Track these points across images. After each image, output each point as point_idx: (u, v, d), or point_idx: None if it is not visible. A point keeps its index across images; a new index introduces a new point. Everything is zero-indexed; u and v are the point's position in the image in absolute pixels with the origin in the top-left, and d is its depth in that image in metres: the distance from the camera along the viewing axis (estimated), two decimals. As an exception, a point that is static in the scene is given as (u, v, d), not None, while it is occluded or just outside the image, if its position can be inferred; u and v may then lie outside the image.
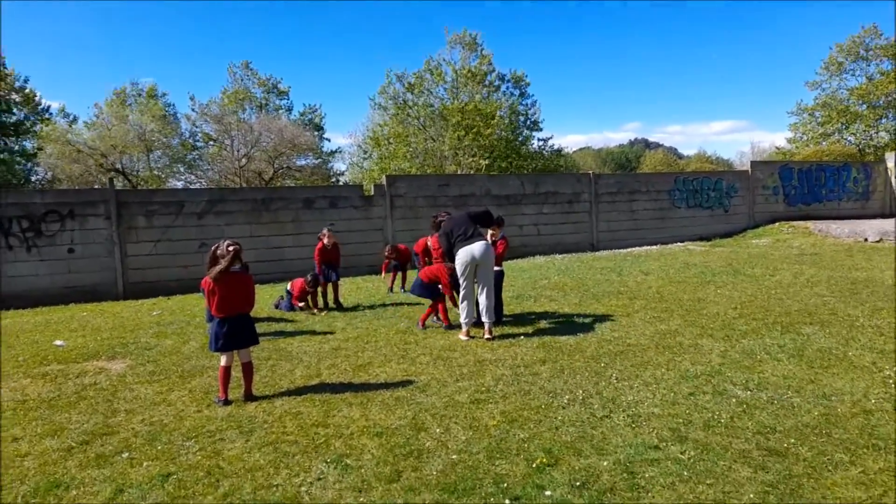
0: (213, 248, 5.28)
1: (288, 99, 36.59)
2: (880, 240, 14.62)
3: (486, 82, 33.35)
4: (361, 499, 3.42)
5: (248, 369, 5.21)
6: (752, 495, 3.34)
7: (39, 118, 31.66)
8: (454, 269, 7.21)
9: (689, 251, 15.05)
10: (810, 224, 17.76)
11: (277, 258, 13.24)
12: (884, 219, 19.56)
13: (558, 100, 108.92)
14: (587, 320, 7.74)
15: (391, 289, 10.76)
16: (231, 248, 5.20)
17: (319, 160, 37.18)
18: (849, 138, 35.19)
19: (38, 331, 8.50)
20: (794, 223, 18.36)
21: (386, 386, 5.39)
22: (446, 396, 5.05)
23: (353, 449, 4.07)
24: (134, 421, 4.74)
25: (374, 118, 34.50)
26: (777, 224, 18.65)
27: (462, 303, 7.16)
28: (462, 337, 7.01)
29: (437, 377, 5.60)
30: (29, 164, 29.64)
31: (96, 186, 27.35)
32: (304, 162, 35.38)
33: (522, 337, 6.98)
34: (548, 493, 3.41)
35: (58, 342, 7.58)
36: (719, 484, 3.46)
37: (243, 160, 31.60)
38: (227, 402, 5.03)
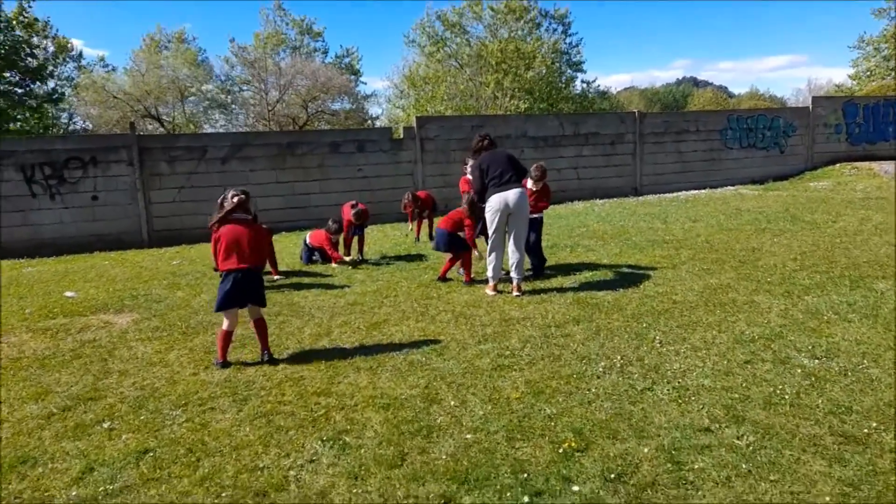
0: (219, 198, 4.80)
1: (323, 41, 35.59)
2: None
3: (527, 19, 31.63)
4: (355, 489, 2.93)
5: (260, 326, 4.76)
6: (828, 498, 2.72)
7: (69, 60, 31.54)
8: (482, 211, 6.56)
9: (741, 195, 13.99)
10: (875, 165, 16.34)
11: (303, 205, 12.76)
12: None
13: (602, 36, 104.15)
14: (628, 273, 7.05)
15: (418, 238, 10.19)
16: (235, 199, 4.68)
17: (354, 104, 36.36)
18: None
19: (55, 281, 8.27)
20: (857, 164, 16.93)
21: (400, 347, 4.87)
22: (465, 361, 4.50)
23: (355, 424, 3.58)
24: (125, 384, 4.36)
25: (411, 58, 33.32)
26: (838, 165, 17.24)
27: (490, 255, 6.49)
28: (488, 292, 6.43)
29: (457, 338, 5.06)
30: (54, 110, 29.46)
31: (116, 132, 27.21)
32: (338, 106, 34.65)
33: (555, 292, 6.35)
34: (575, 487, 2.86)
35: (69, 293, 7.30)
36: (786, 480, 2.85)
37: (276, 105, 31.00)
38: (225, 365, 4.60)
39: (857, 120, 17.96)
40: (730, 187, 16.06)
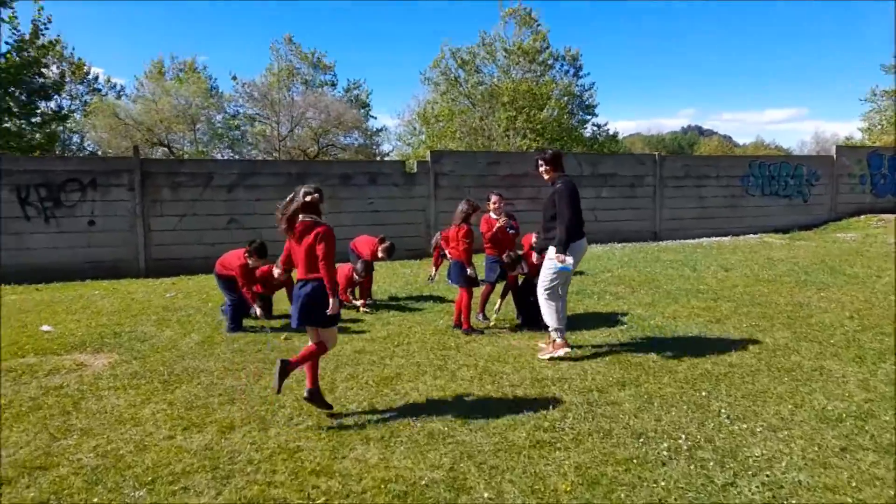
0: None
1: (333, 74, 35.45)
2: None
3: (540, 60, 31.54)
4: None
5: (313, 354, 4.15)
6: None
7: (83, 83, 31.45)
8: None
9: (767, 244, 13.30)
10: (908, 217, 15.68)
11: (309, 238, 12.13)
12: None
13: (608, 83, 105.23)
14: (667, 327, 6.31)
15: (432, 278, 9.32)
16: (308, 197, 4.05)
17: (365, 139, 36.11)
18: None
19: (36, 311, 7.56)
20: (884, 216, 16.27)
21: (417, 411, 4.12)
22: (496, 433, 3.75)
23: (364, 519, 2.82)
24: (84, 448, 3.61)
25: (423, 95, 33.20)
26: (863, 217, 16.59)
27: (557, 303, 5.30)
28: (560, 352, 5.25)
29: (483, 401, 4.31)
30: (61, 128, 29.10)
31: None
32: (349, 140, 34.38)
33: (589, 347, 5.61)
34: None
35: (45, 327, 6.58)
36: None
37: (287, 137, 30.72)
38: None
39: (881, 171, 17.38)
40: (752, 235, 15.37)
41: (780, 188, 16.45)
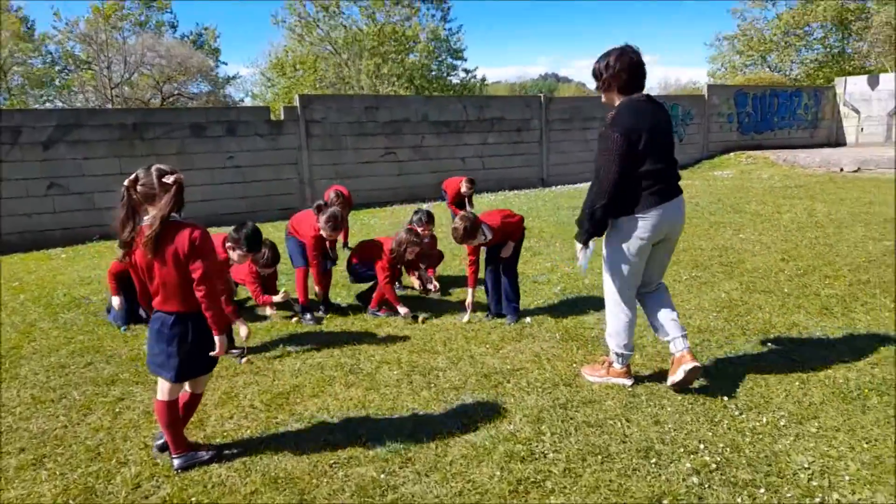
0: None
1: (171, 13, 31.33)
2: (858, 169, 13.25)
3: (406, 2, 29.75)
4: None
5: (189, 414, 2.91)
6: None
7: None
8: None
9: (656, 186, 13.09)
10: (770, 154, 16.30)
11: (157, 202, 10.05)
12: (831, 147, 18.54)
13: (472, 29, 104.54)
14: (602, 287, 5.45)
15: (345, 244, 7.40)
16: (169, 179, 2.50)
17: (216, 88, 32.57)
18: (765, 70, 34.34)
19: None
20: (751, 153, 16.86)
21: (331, 446, 2.86)
22: (457, 477, 2.59)
23: None
24: None
25: (279, 41, 30.30)
26: (733, 154, 17.09)
27: (624, 314, 3.34)
28: (620, 381, 3.41)
29: (424, 418, 3.13)
30: None
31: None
32: (198, 90, 30.79)
33: (531, 319, 4.59)
34: None
35: None
36: None
37: (122, 85, 26.76)
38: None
39: (746, 109, 17.98)
40: (637, 177, 15.24)
41: (658, 128, 16.40)
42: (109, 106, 26.40)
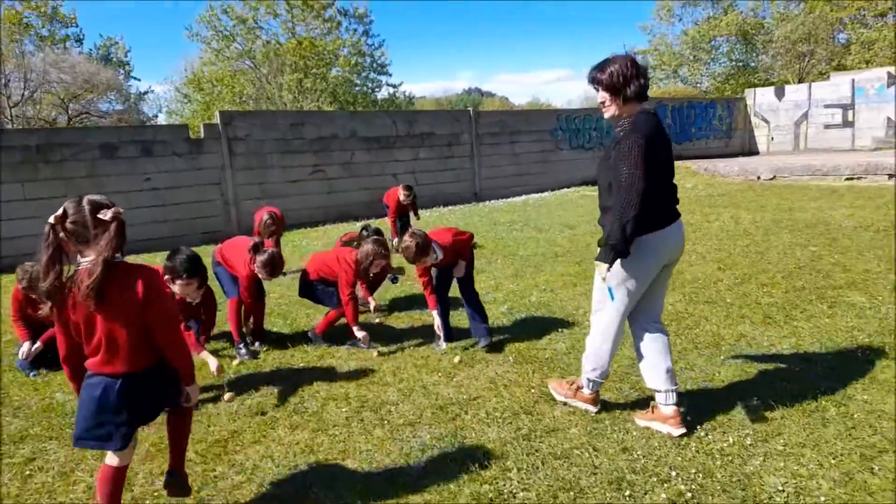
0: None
1: (77, 27, 29.54)
2: (774, 177, 13.95)
3: (326, 16, 29.38)
4: None
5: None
6: None
7: None
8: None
9: (588, 198, 13.33)
10: (690, 163, 16.97)
11: (67, 229, 9.26)
12: (745, 156, 19.53)
13: (399, 45, 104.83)
14: (550, 303, 5.36)
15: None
16: (107, 215, 2.09)
17: (128, 104, 31.00)
18: (678, 83, 36.07)
19: None
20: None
21: (276, 493, 2.57)
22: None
23: None
24: None
25: (194, 56, 29.19)
26: (654, 165, 17.70)
27: (609, 335, 3.06)
28: (586, 407, 3.24)
29: (382, 467, 2.88)
30: None
31: None
32: (108, 108, 29.17)
33: (480, 343, 4.42)
34: None
35: None
36: None
37: (22, 104, 24.98)
38: None
39: (665, 121, 18.68)
40: (566, 189, 15.51)
41: (586, 141, 16.80)
42: (10, 126, 24.59)
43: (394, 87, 32.56)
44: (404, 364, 4.10)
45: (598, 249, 2.85)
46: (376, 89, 32.24)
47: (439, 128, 13.88)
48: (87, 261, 2.06)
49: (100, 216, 2.06)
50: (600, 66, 2.83)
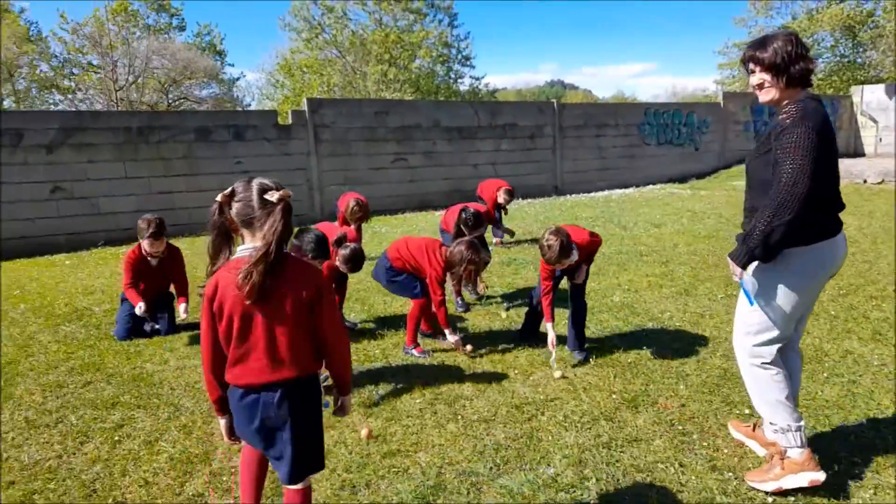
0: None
1: (181, 18, 31.13)
2: (882, 181, 12.88)
3: (413, 7, 29.52)
4: None
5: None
6: None
7: None
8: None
9: (676, 195, 12.74)
10: (788, 164, 15.92)
11: (166, 206, 9.72)
12: (851, 158, 18.14)
13: (481, 37, 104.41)
14: (635, 304, 5.13)
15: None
16: (274, 197, 1.84)
17: (223, 91, 32.39)
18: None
19: None
20: (768, 163, 16.51)
21: (348, 478, 2.55)
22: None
23: None
24: None
25: (284, 45, 30.15)
26: (749, 164, 16.75)
27: (779, 373, 2.51)
28: (793, 481, 2.45)
29: (450, 454, 2.81)
30: None
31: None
32: (205, 92, 30.60)
33: (575, 356, 4.25)
34: None
35: None
36: None
37: (127, 88, 26.58)
38: None
39: (763, 118, 17.63)
40: (652, 185, 14.93)
41: (674, 136, 16.12)
42: (115, 108, 26.26)
43: (477, 79, 32.35)
44: (479, 358, 4.01)
45: (735, 244, 2.47)
46: (459, 80, 32.21)
47: (522, 119, 13.65)
48: (248, 247, 1.85)
49: (266, 197, 1.82)
50: (761, 43, 2.40)
